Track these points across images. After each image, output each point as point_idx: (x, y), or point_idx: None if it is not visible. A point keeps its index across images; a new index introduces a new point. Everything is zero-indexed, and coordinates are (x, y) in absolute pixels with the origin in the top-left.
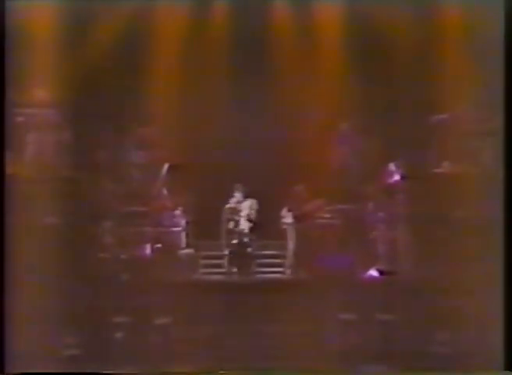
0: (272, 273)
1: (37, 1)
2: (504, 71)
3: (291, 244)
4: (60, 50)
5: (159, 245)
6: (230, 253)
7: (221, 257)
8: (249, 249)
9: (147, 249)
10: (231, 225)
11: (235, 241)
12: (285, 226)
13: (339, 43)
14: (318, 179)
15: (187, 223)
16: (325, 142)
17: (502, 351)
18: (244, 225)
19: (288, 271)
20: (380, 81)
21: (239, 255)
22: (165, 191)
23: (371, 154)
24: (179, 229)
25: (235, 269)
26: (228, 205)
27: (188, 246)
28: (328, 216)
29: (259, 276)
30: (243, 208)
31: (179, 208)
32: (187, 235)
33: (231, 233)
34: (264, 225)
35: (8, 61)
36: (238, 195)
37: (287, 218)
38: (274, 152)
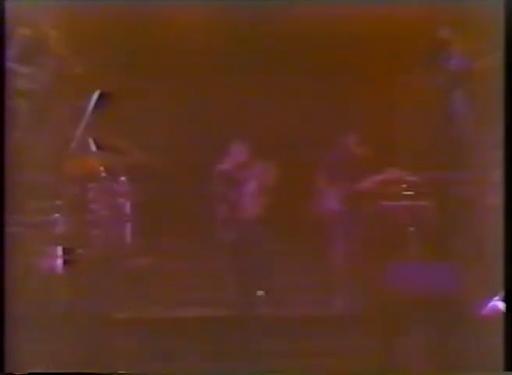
0: (302, 305)
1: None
2: None
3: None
4: None
5: (81, 250)
6: (221, 263)
7: (201, 271)
8: (256, 256)
9: (58, 257)
10: (224, 209)
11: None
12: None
13: None
14: (386, 124)
15: (134, 206)
16: (402, 62)
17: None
18: (250, 209)
19: (334, 299)
20: None
21: (238, 268)
22: (92, 145)
23: (488, 77)
24: (122, 218)
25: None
26: (220, 167)
27: (138, 251)
28: (408, 192)
29: (277, 310)
30: (249, 178)
31: (121, 177)
32: (135, 229)
33: (224, 223)
34: (287, 210)
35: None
36: (237, 155)
37: (325, 203)
38: (303, 73)
